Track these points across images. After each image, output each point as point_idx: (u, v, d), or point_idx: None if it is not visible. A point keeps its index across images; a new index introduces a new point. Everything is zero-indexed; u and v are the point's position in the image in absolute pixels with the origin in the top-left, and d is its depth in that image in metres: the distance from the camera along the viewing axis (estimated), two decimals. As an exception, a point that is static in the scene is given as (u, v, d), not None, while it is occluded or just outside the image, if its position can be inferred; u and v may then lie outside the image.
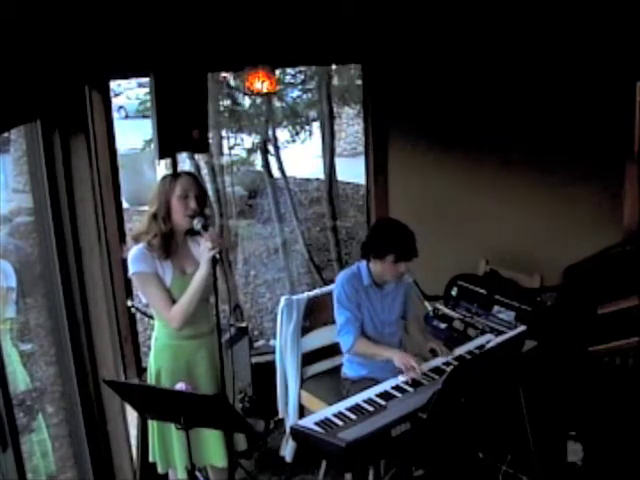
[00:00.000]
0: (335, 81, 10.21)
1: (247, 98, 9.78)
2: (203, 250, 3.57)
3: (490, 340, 4.37)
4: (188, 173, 3.85)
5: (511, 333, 4.23)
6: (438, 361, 4.13)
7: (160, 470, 3.92)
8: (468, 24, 4.83)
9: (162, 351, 3.82)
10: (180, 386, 3.56)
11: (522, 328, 4.29)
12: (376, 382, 4.04)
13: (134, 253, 3.66)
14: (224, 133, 9.94)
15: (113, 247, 4.54)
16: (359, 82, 8.64)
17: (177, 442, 3.75)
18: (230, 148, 10.04)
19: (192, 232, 3.72)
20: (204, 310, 3.84)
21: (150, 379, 3.86)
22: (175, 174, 3.77)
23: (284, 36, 4.64)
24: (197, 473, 3.78)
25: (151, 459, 3.95)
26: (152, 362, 3.86)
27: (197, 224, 3.59)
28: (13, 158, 9.57)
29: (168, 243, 3.69)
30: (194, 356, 3.83)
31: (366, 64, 5.35)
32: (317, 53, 4.95)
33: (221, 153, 9.91)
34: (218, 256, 3.54)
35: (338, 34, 4.74)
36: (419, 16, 4.77)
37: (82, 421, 3.91)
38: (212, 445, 3.80)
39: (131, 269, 3.67)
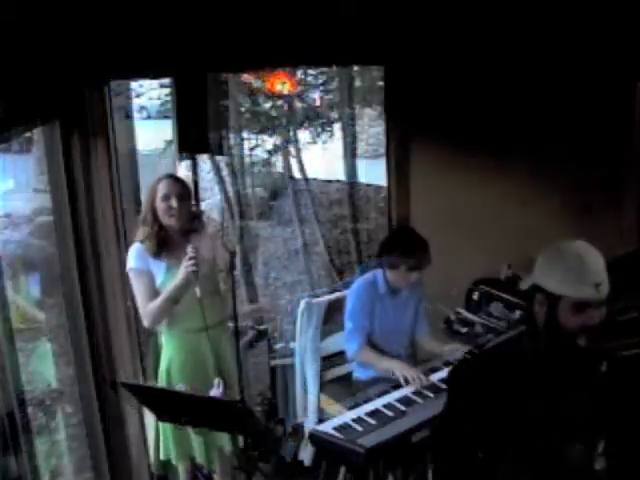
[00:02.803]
0: (357, 82, 10.18)
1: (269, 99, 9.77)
2: (183, 265, 3.70)
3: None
4: (170, 175, 3.96)
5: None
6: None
7: (175, 462, 3.99)
8: (492, 27, 4.78)
9: (167, 344, 3.94)
10: (179, 386, 3.62)
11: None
12: (389, 381, 4.04)
13: (131, 250, 3.83)
14: (245, 134, 9.94)
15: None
16: (381, 83, 8.60)
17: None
18: (251, 149, 10.03)
19: (188, 232, 3.85)
20: (210, 303, 3.88)
21: (160, 374, 3.95)
22: (158, 177, 3.88)
23: (304, 36, 4.61)
24: (197, 473, 3.80)
25: (162, 457, 4.01)
26: (162, 356, 3.98)
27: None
28: (35, 158, 9.62)
29: (161, 243, 3.82)
30: (197, 346, 3.94)
31: (389, 66, 5.31)
32: (338, 54, 4.91)
33: (242, 154, 9.91)
34: (196, 268, 3.67)
35: (360, 35, 4.70)
36: (443, 18, 4.73)
37: (99, 422, 3.90)
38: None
39: (127, 265, 3.82)
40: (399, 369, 3.98)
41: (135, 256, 3.80)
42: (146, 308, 3.78)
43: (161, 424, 3.94)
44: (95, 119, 4.37)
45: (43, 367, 5.54)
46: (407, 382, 3.88)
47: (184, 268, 3.69)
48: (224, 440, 3.98)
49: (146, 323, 3.84)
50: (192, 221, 3.89)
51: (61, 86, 3.57)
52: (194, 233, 3.88)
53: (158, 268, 3.81)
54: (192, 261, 3.68)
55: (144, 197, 3.87)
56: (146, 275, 3.80)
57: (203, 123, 4.33)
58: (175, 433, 3.90)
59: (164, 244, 3.83)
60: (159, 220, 3.81)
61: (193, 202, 4.07)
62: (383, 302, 4.28)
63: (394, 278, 4.22)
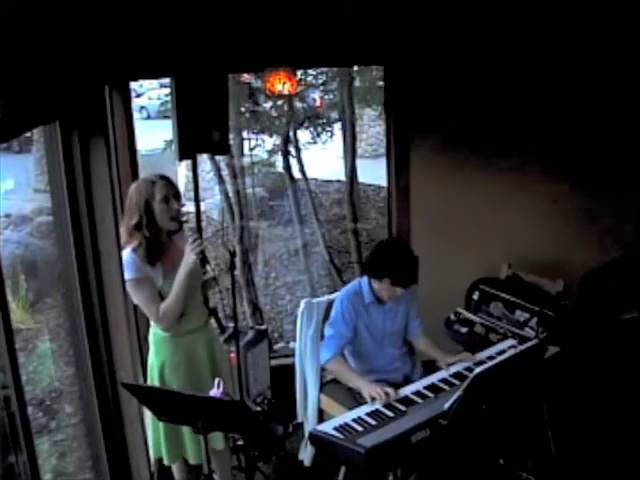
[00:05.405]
0: (357, 82, 10.18)
1: (269, 99, 9.76)
2: (188, 250, 3.74)
3: (512, 345, 4.33)
4: (162, 176, 3.88)
5: (534, 341, 4.19)
6: (459, 366, 4.10)
7: (167, 462, 4.07)
8: (495, 27, 4.78)
9: (162, 344, 3.93)
10: None
11: (544, 335, 4.24)
12: (386, 382, 4.03)
13: (125, 260, 3.76)
14: (245, 134, 9.93)
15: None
16: (380, 83, 8.60)
17: (187, 428, 3.83)
18: (251, 149, 10.03)
19: (172, 232, 3.86)
20: (197, 302, 3.93)
21: (152, 374, 3.97)
22: (150, 180, 3.82)
23: (305, 37, 4.62)
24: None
25: (155, 455, 4.08)
26: (154, 356, 3.97)
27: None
28: (35, 158, 9.65)
29: (154, 248, 3.78)
30: (194, 347, 3.95)
31: (388, 66, 5.31)
32: (338, 54, 4.91)
33: (242, 154, 9.90)
34: (203, 247, 3.75)
35: (360, 35, 4.70)
36: (443, 18, 4.73)
37: (99, 422, 3.90)
38: None
39: (125, 275, 3.76)
40: (365, 389, 3.87)
41: (132, 266, 3.74)
42: (159, 311, 3.76)
43: (152, 423, 3.96)
44: (115, 120, 4.41)
45: (43, 367, 5.55)
46: (373, 400, 3.76)
47: (192, 251, 3.70)
48: (219, 440, 3.99)
49: (165, 324, 3.81)
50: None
51: (81, 87, 3.57)
52: (177, 232, 3.89)
53: (155, 275, 3.79)
54: (198, 242, 3.71)
55: (134, 203, 3.77)
56: (148, 281, 3.76)
57: (225, 124, 4.35)
58: (168, 433, 3.92)
59: (158, 251, 3.80)
60: (157, 223, 3.77)
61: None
62: (370, 311, 4.25)
63: (378, 288, 4.16)
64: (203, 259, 3.76)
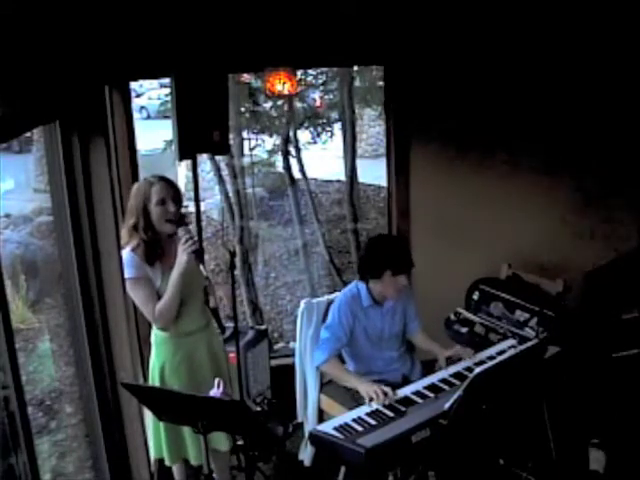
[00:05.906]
0: (357, 82, 10.17)
1: (269, 99, 9.75)
2: (180, 250, 3.69)
3: (512, 345, 4.33)
4: (162, 178, 3.86)
5: (534, 341, 4.19)
6: (459, 366, 4.09)
7: (168, 463, 4.06)
8: (495, 27, 4.77)
9: (163, 345, 3.93)
10: None
11: (544, 335, 4.24)
12: (384, 381, 4.02)
13: (125, 259, 3.75)
14: (245, 134, 9.93)
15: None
16: (381, 83, 8.59)
17: (188, 429, 3.83)
18: (251, 149, 10.02)
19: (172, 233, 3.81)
20: (198, 304, 3.89)
21: (152, 374, 3.96)
22: (149, 181, 3.80)
23: (305, 37, 4.61)
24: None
25: (156, 455, 4.08)
26: (154, 357, 3.97)
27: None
28: (35, 158, 9.64)
29: (153, 249, 3.77)
30: (194, 348, 3.95)
31: (388, 66, 5.31)
32: (338, 54, 4.91)
33: (242, 154, 9.90)
34: (197, 247, 3.71)
35: (360, 35, 4.70)
36: (443, 18, 4.72)
37: (99, 422, 3.89)
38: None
39: (124, 274, 3.76)
40: (363, 388, 3.89)
41: (131, 265, 3.74)
42: (155, 310, 3.75)
43: (153, 423, 3.96)
44: (115, 120, 4.41)
45: (43, 367, 5.55)
46: (371, 399, 3.76)
47: (184, 251, 3.66)
48: (220, 440, 3.99)
49: (161, 324, 3.82)
50: None
51: (80, 87, 3.57)
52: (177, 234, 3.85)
53: (154, 275, 3.79)
54: (191, 241, 3.67)
55: (132, 204, 3.78)
56: (146, 280, 3.77)
57: (225, 124, 4.34)
58: (169, 433, 3.92)
59: (156, 252, 3.80)
60: (153, 226, 3.76)
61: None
62: (368, 314, 4.25)
63: (380, 288, 4.16)
64: (200, 258, 3.73)
